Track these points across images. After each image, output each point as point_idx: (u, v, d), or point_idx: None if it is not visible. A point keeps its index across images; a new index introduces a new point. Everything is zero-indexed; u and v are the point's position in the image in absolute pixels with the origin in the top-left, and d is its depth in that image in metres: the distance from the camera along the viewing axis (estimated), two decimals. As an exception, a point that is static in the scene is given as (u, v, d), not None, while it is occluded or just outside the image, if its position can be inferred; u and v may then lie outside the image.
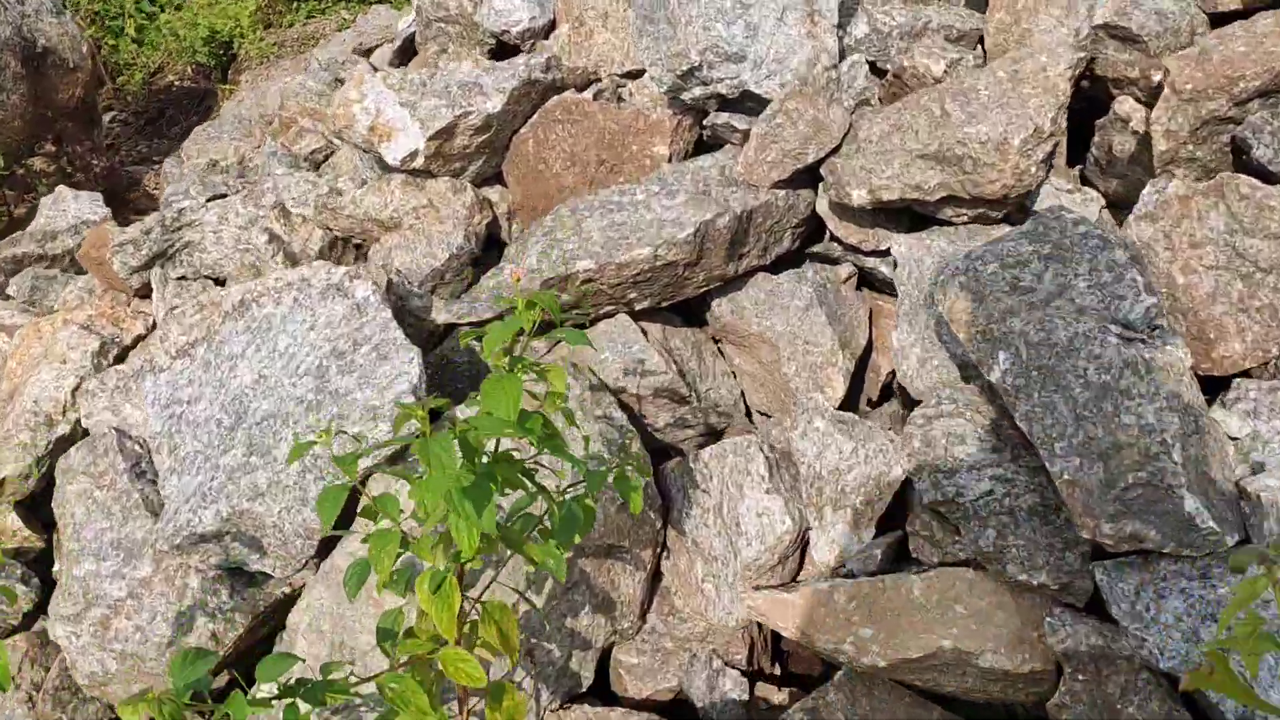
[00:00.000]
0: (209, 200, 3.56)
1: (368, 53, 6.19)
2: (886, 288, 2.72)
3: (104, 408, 2.86)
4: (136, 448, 2.71)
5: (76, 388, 3.03)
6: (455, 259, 2.97)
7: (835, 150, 2.63)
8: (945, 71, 2.83)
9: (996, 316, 2.00)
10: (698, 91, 2.86)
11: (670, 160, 2.97)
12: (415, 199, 3.03)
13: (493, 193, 3.23)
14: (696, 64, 2.78)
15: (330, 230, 3.15)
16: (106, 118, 7.05)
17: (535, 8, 3.56)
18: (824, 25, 2.84)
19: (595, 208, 2.67)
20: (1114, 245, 2.04)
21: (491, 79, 3.05)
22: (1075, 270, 2.02)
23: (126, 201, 6.02)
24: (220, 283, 3.38)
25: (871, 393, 2.72)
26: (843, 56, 2.92)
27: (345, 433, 2.16)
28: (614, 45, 3.28)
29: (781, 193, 2.65)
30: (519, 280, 2.45)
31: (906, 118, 2.52)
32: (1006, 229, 2.46)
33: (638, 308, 2.60)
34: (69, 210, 4.33)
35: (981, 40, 3.11)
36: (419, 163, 3.03)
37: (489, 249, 3.20)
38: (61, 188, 4.44)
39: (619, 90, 3.17)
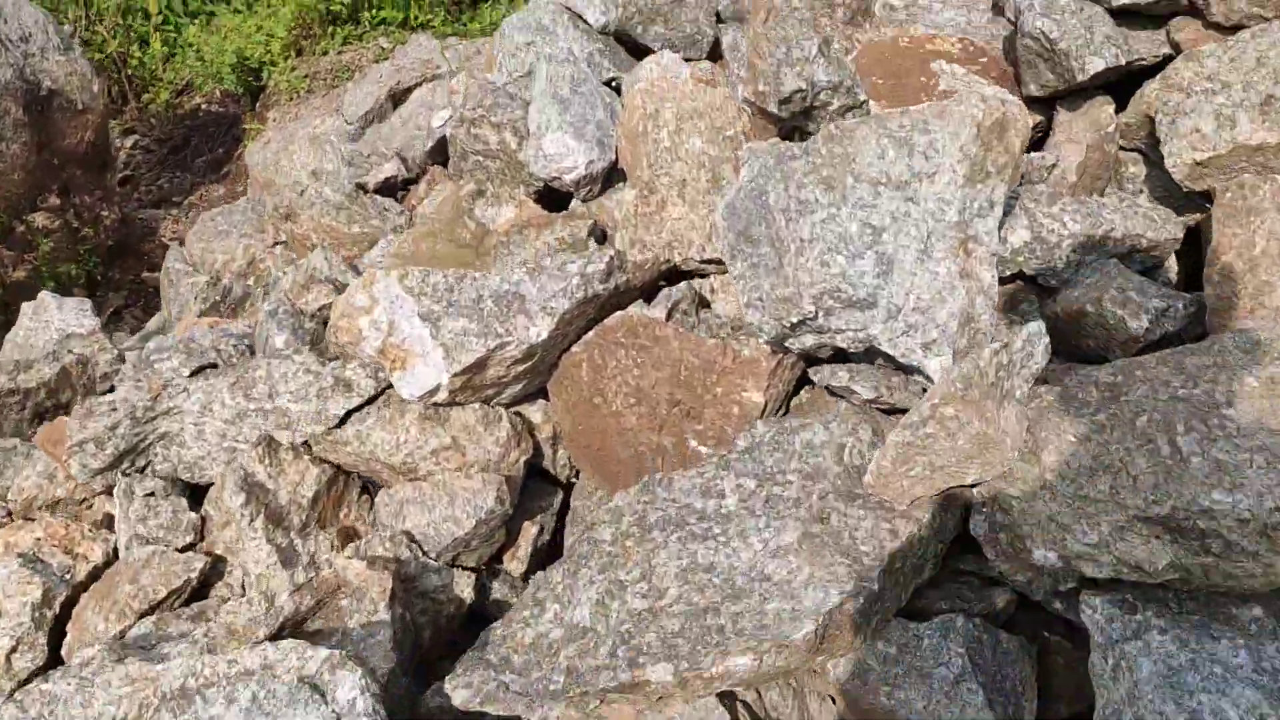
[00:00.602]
0: (193, 374, 2.82)
1: (406, 92, 5.42)
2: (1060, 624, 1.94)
3: None
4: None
5: (12, 650, 2.34)
6: (483, 524, 2.22)
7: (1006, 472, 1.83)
8: (1147, 330, 2.01)
9: None
10: (809, 341, 2.06)
11: (765, 409, 2.18)
12: (435, 439, 2.27)
13: (534, 410, 2.46)
14: (811, 313, 1.98)
15: (329, 463, 2.40)
16: (128, 142, 6.33)
17: (593, 149, 2.74)
18: (981, 257, 2.01)
19: (672, 522, 1.89)
20: None
21: (536, 289, 2.26)
22: None
23: (140, 255, 5.31)
24: (197, 493, 2.66)
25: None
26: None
27: None
28: (692, 223, 2.46)
29: (927, 517, 1.86)
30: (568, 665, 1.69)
31: (1115, 453, 1.71)
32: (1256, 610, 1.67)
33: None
34: (51, 322, 3.62)
35: (1179, 254, 2.28)
36: (441, 397, 2.26)
37: (529, 480, 2.45)
38: (44, 295, 3.71)
39: (698, 297, 2.37)
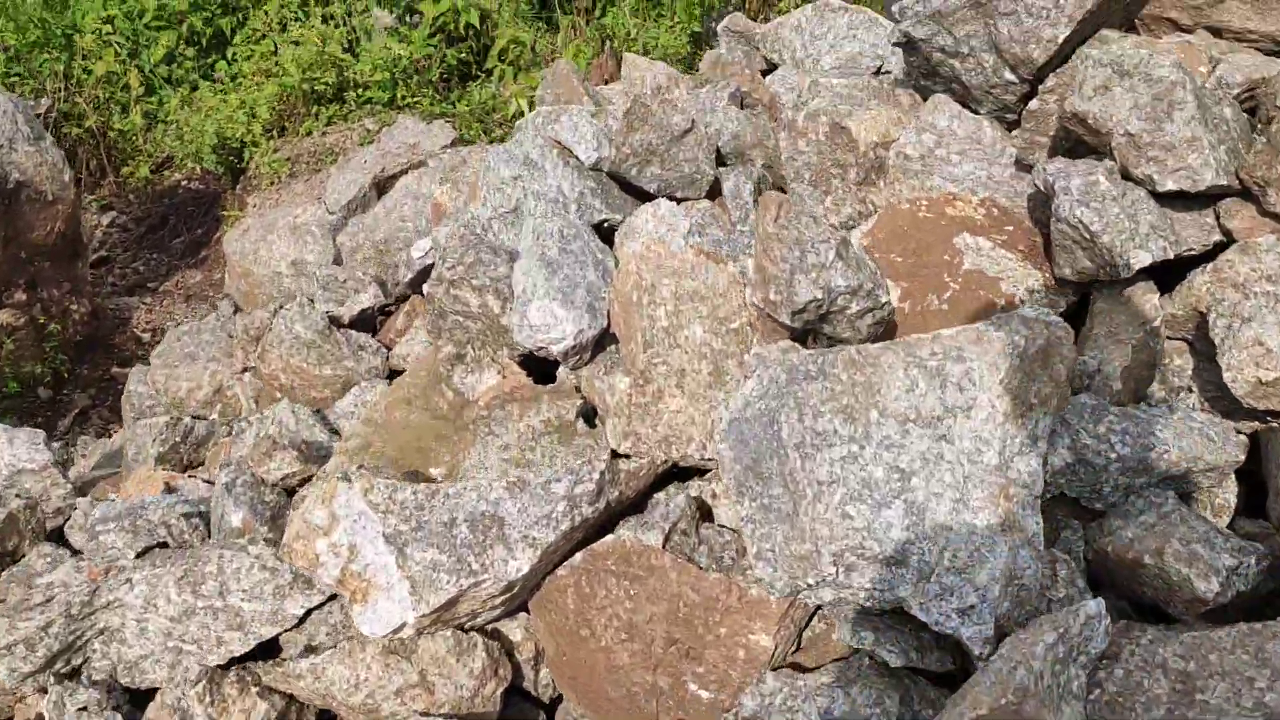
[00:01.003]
0: (140, 556, 2.52)
1: (392, 179, 5.17)
2: None
3: None
4: None
5: None
6: (454, 779, 1.92)
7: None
8: (1217, 594, 1.73)
9: None
10: (826, 596, 1.77)
11: (775, 653, 1.89)
12: (400, 675, 1.97)
13: (514, 627, 2.16)
14: (831, 574, 1.69)
15: (280, 693, 2.10)
16: (105, 219, 6.02)
17: (583, 316, 2.46)
18: (1024, 501, 1.73)
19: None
20: None
21: (518, 510, 1.96)
22: None
23: (110, 348, 5.00)
24: (139, 697, 2.35)
25: None
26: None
27: None
28: (691, 418, 2.18)
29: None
30: None
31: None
32: None
33: None
34: (1, 455, 3.30)
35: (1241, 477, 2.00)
36: (407, 634, 1.96)
37: (509, 696, 2.15)
38: (-6, 427, 3.40)
39: (698, 509, 2.08)
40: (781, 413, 1.80)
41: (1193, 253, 2.14)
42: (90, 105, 6.17)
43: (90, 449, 4.24)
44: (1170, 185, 2.13)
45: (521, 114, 5.57)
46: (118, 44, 6.20)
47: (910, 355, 1.75)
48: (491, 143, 5.45)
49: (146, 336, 5.01)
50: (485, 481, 1.97)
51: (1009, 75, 2.54)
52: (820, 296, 1.94)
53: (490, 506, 1.95)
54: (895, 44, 2.72)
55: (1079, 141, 2.37)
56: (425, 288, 2.69)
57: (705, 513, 2.15)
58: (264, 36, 6.05)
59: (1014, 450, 1.72)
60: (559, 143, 3.04)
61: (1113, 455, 1.91)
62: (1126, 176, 2.19)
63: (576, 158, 3.03)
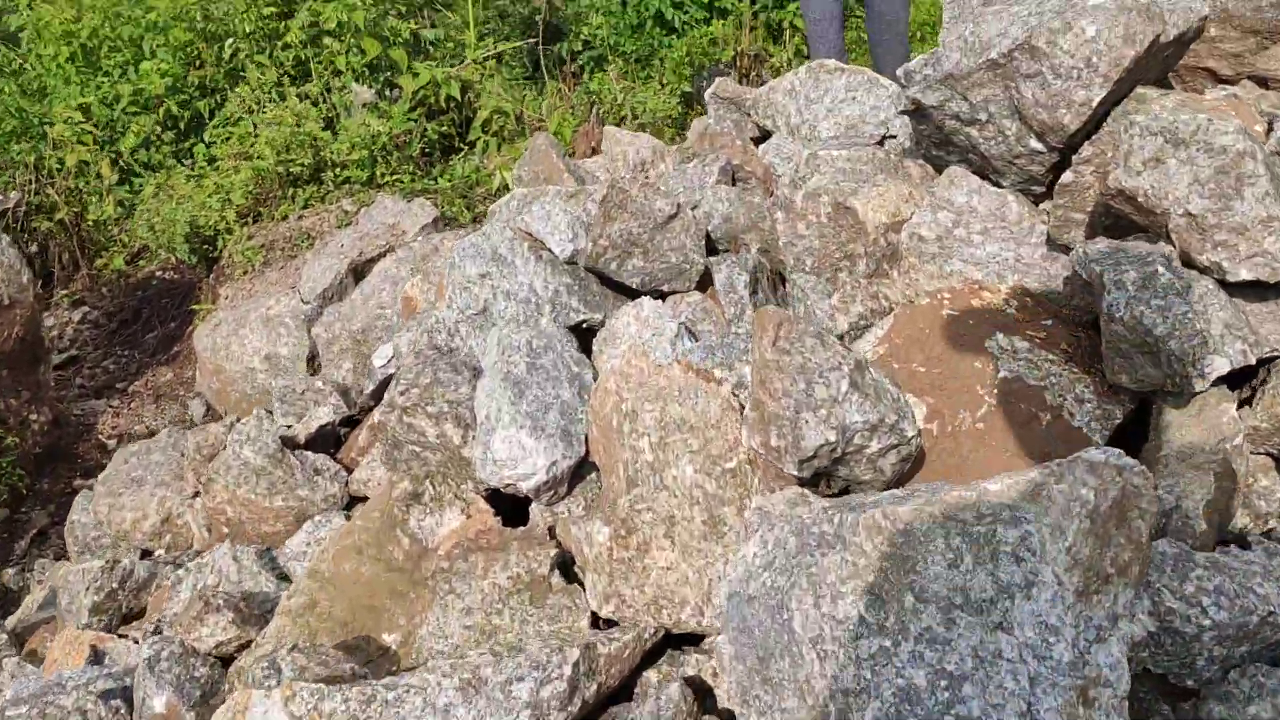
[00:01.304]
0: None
1: (370, 263, 4.85)
2: None
3: None
4: None
5: None
6: None
7: None
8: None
9: None
10: (861, 833, 1.38)
11: None
12: None
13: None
14: (864, 814, 1.30)
15: None
16: (76, 315, 5.71)
17: (555, 446, 2.09)
18: (1110, 706, 1.33)
19: None
20: None
21: (472, 717, 1.57)
22: None
23: (73, 459, 4.64)
24: None
25: None
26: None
27: None
28: (684, 576, 1.79)
29: None
30: None
31: None
32: None
33: None
34: (-70, 604, 2.94)
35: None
36: None
37: None
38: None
39: (695, 698, 1.68)
40: (792, 595, 1.41)
41: (1276, 354, 1.76)
42: (63, 196, 5.89)
43: (49, 573, 3.88)
44: (1244, 274, 1.76)
45: (507, 187, 5.26)
46: (90, 133, 5.93)
47: (951, 519, 1.37)
48: (475, 219, 5.13)
49: (113, 444, 4.66)
50: (433, 680, 1.59)
51: (1035, 144, 2.19)
52: (833, 439, 1.56)
53: (439, 713, 1.56)
54: (902, 111, 2.37)
55: (1123, 218, 2.01)
56: (377, 414, 2.33)
57: (704, 691, 1.76)
58: (240, 119, 5.78)
59: (1090, 638, 1.34)
60: (530, 234, 2.69)
61: (1205, 622, 1.52)
62: (1188, 263, 1.83)
63: (550, 250, 2.68)
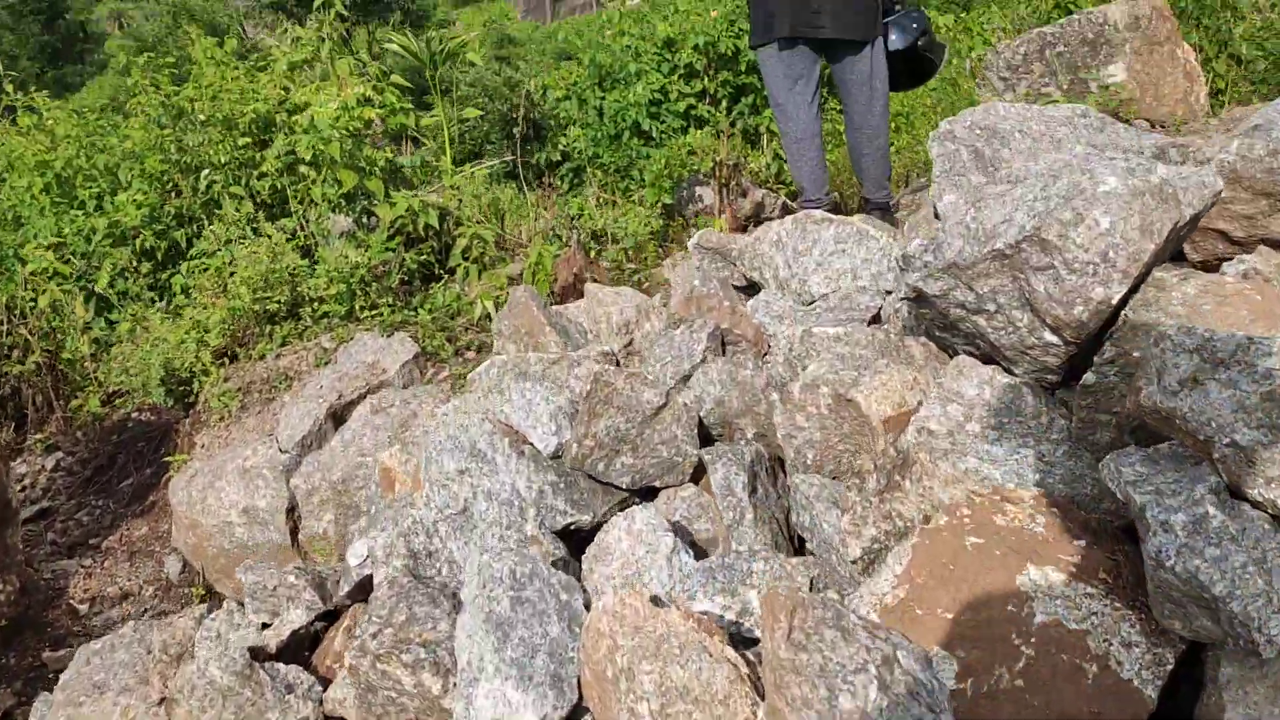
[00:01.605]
0: None
1: (350, 406, 4.66)
2: None
3: None
4: None
5: None
6: None
7: None
8: None
9: None
10: None
11: None
12: None
13: None
14: None
15: None
16: (50, 463, 5.46)
17: (546, 697, 1.85)
18: None
19: None
20: None
21: None
22: None
23: (42, 629, 4.35)
24: None
25: None
26: None
27: None
28: None
29: None
30: None
31: None
32: None
33: None
34: None
35: None
36: None
37: None
38: None
39: None
40: None
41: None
42: (36, 336, 5.67)
43: (11, 766, 3.59)
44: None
45: (488, 316, 5.08)
46: (63, 271, 5.75)
47: None
48: (457, 352, 4.94)
49: (84, 608, 4.38)
50: None
51: (1050, 337, 2.00)
52: (862, 756, 1.34)
53: None
54: (903, 298, 2.19)
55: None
56: (348, 658, 2.09)
57: None
58: (217, 251, 5.61)
59: None
60: (510, 428, 2.49)
61: None
62: (1237, 494, 1.62)
63: (532, 444, 2.47)
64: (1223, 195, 2.30)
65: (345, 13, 5.91)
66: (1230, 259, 2.39)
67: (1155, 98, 4.70)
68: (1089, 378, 1.91)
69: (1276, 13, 5.77)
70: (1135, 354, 1.86)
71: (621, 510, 2.39)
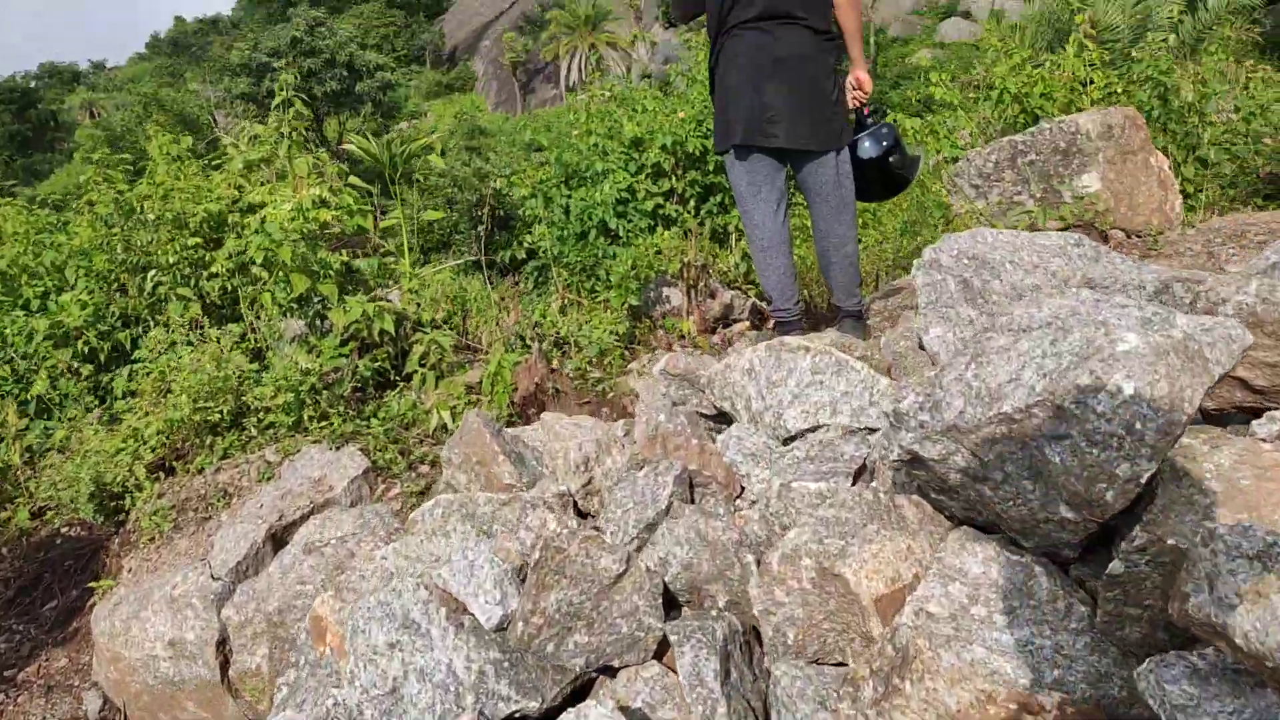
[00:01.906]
0: None
1: (291, 528, 4.27)
2: None
3: None
4: None
5: None
6: None
7: None
8: None
9: None
10: None
11: None
12: None
13: None
14: None
15: None
16: (-30, 583, 4.99)
17: None
18: None
19: None
20: None
21: None
22: None
23: (-58, 782, 3.87)
24: None
25: None
26: None
27: None
28: None
29: None
30: None
31: None
32: None
33: None
34: None
35: None
36: None
37: None
38: None
39: None
40: None
41: None
42: (-37, 445, 5.26)
43: None
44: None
45: (444, 427, 4.74)
46: (-3, 376, 5.37)
47: None
48: (410, 466, 4.58)
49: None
50: None
51: (1067, 513, 1.71)
52: None
53: None
54: (897, 459, 1.90)
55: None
56: None
57: None
58: (160, 354, 5.26)
59: None
60: (448, 594, 2.15)
61: None
62: (1313, 731, 1.32)
63: (473, 614, 2.12)
64: (1241, 340, 2.05)
65: (305, 111, 5.67)
66: (1246, 407, 2.14)
67: (1130, 207, 4.54)
68: (1116, 566, 1.62)
69: (1239, 116, 5.71)
70: (1170, 541, 1.57)
71: (574, 690, 2.05)
